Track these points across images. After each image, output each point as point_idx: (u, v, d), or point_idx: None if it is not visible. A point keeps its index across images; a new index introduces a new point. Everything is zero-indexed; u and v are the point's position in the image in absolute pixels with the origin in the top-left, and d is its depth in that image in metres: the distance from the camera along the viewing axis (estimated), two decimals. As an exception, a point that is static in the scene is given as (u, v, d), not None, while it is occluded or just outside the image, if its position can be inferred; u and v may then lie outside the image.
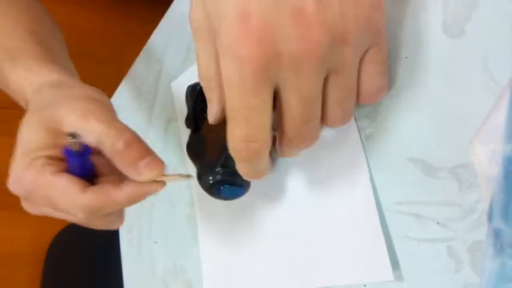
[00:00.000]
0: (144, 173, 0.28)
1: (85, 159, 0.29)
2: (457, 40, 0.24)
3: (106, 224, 0.32)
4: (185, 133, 0.48)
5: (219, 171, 0.30)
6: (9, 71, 0.37)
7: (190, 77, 0.48)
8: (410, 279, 0.26)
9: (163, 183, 0.30)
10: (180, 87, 0.51)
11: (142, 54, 0.62)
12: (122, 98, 0.68)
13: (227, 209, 0.41)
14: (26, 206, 0.32)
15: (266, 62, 0.21)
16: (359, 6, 0.22)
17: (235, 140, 0.24)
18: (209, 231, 0.44)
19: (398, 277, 0.26)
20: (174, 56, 0.53)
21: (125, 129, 0.29)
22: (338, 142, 0.30)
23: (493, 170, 0.19)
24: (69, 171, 0.29)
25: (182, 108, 0.49)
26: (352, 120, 0.30)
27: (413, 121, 0.26)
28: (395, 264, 0.27)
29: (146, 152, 0.29)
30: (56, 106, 0.30)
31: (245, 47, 0.20)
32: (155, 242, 0.54)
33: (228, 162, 0.29)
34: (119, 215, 0.33)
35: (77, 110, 0.29)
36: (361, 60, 0.24)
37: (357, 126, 0.29)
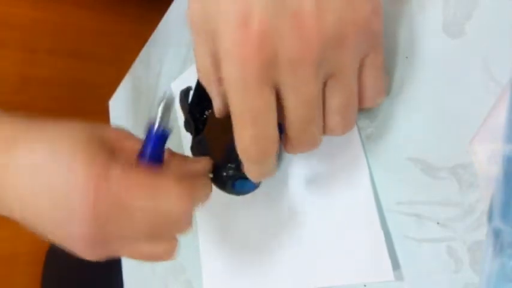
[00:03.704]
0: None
1: (164, 143, 0.28)
2: (457, 40, 0.24)
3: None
4: (185, 133, 0.48)
5: (231, 167, 0.31)
6: None
7: (190, 77, 0.48)
8: (410, 279, 0.26)
9: None
10: (180, 87, 0.51)
11: (142, 54, 0.62)
12: (122, 98, 0.68)
13: (227, 209, 0.41)
14: (105, 241, 0.27)
15: (266, 63, 0.21)
16: (359, 10, 0.22)
17: (244, 142, 0.24)
18: (209, 231, 0.44)
19: (399, 277, 0.26)
20: (174, 56, 0.53)
21: None
22: (338, 142, 0.30)
23: (493, 170, 0.19)
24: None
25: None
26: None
27: (413, 121, 0.26)
28: (395, 264, 0.27)
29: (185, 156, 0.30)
30: (94, 128, 0.28)
31: (246, 49, 0.21)
32: (155, 242, 0.54)
33: (239, 158, 0.30)
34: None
35: (113, 134, 0.29)
36: (360, 65, 0.24)
37: (357, 126, 0.29)
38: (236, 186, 0.32)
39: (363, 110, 0.29)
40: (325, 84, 0.23)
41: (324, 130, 0.26)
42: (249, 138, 0.23)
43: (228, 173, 0.31)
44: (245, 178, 0.31)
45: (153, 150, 0.28)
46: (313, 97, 0.23)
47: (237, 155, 0.29)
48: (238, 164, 0.30)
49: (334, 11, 0.21)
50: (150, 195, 0.26)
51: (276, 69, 0.22)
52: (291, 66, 0.22)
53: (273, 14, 0.21)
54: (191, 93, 0.37)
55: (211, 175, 0.32)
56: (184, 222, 0.28)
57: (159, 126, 0.27)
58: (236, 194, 0.33)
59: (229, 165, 0.31)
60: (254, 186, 0.33)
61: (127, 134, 0.30)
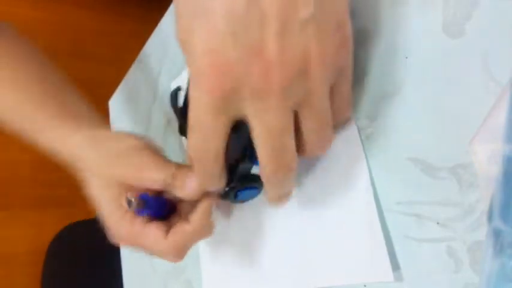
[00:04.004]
0: (189, 187, 0.31)
1: (153, 207, 0.32)
2: (457, 40, 0.24)
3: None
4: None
5: (233, 178, 0.30)
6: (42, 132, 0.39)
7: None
8: (410, 279, 0.26)
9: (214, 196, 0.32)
10: (180, 87, 0.51)
11: (142, 54, 0.62)
12: (122, 98, 0.68)
13: (226, 209, 0.41)
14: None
15: (225, 95, 0.22)
16: (325, 45, 0.22)
17: (189, 147, 0.27)
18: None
19: (398, 277, 0.26)
20: (174, 56, 0.53)
21: (168, 165, 0.33)
22: (338, 142, 0.30)
23: (493, 170, 0.19)
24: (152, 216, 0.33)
25: (182, 108, 0.49)
26: (352, 120, 0.30)
27: (413, 121, 0.26)
28: (395, 264, 0.27)
29: (189, 173, 0.32)
30: (112, 167, 0.34)
31: (207, 80, 0.22)
32: (155, 242, 0.54)
33: (239, 166, 0.29)
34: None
35: (131, 168, 0.33)
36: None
37: (357, 126, 0.29)
38: (239, 196, 0.32)
39: (363, 109, 0.29)
40: (297, 110, 0.24)
41: (301, 151, 0.26)
42: (191, 147, 0.26)
43: (230, 186, 0.31)
44: (247, 187, 0.31)
45: (151, 213, 0.33)
46: (281, 125, 0.23)
47: (237, 164, 0.29)
48: (240, 175, 0.30)
49: (297, 47, 0.22)
50: (144, 243, 0.33)
51: (237, 100, 0.23)
52: (254, 100, 0.22)
53: (234, 48, 0.21)
54: (181, 94, 0.37)
55: None
56: (175, 261, 0.34)
57: (135, 209, 0.32)
58: (239, 202, 0.33)
59: (230, 175, 0.31)
60: (257, 193, 0.33)
61: (141, 173, 0.33)
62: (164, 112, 0.54)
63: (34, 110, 0.39)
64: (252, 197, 0.33)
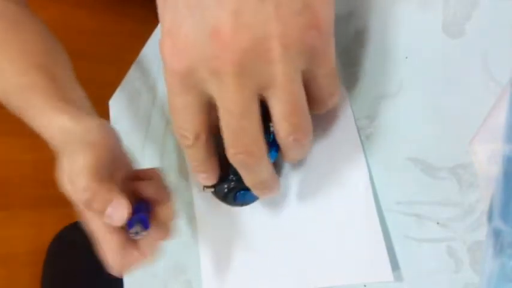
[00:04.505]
0: (110, 216, 0.30)
1: (146, 220, 0.33)
2: (457, 40, 0.24)
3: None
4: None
5: (232, 179, 0.30)
6: (26, 108, 0.37)
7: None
8: (410, 279, 0.26)
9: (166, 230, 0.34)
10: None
11: (142, 54, 0.62)
12: (122, 99, 0.68)
13: (227, 209, 0.41)
14: None
15: (187, 74, 0.23)
16: (287, 26, 0.22)
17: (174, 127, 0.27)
18: (209, 231, 0.44)
19: (398, 277, 0.26)
20: (174, 56, 0.53)
21: (102, 190, 0.30)
22: (337, 142, 0.30)
23: (493, 170, 0.19)
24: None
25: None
26: (352, 120, 0.30)
27: (413, 121, 0.26)
28: (395, 264, 0.27)
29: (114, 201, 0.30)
30: (71, 161, 0.32)
31: (168, 59, 0.24)
32: (155, 242, 0.54)
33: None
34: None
35: (62, 172, 0.32)
36: (304, 77, 0.24)
37: (357, 126, 0.29)
38: (238, 198, 0.32)
39: (362, 109, 0.29)
40: (264, 94, 0.24)
41: (278, 139, 0.26)
42: (174, 126, 0.27)
43: (229, 186, 0.31)
44: (246, 189, 0.31)
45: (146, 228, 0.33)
46: (243, 107, 0.23)
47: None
48: (239, 176, 0.30)
49: (254, 27, 0.21)
50: (101, 245, 0.34)
51: (198, 80, 0.23)
52: (213, 80, 0.23)
53: (192, 28, 0.22)
54: None
55: (211, 189, 0.32)
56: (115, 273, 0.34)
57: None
58: (238, 205, 0.33)
59: (231, 176, 0.30)
60: (256, 197, 0.33)
61: (65, 180, 0.32)
62: (164, 112, 0.54)
63: (28, 96, 0.37)
64: (252, 200, 0.33)
